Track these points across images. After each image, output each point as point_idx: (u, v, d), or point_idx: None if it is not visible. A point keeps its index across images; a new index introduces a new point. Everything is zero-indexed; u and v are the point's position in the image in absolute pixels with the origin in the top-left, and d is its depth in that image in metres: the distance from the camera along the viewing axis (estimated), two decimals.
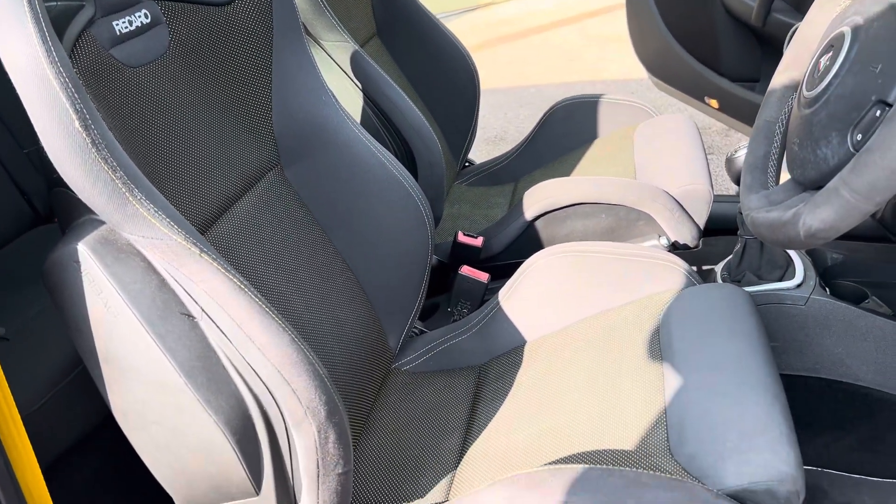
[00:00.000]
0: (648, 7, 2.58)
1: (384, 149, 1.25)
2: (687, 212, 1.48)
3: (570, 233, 1.49)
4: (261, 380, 0.83)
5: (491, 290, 1.43)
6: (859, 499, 1.28)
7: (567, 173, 1.79)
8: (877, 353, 1.26)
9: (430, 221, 1.27)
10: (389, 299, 1.28)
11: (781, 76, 1.01)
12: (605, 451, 0.95)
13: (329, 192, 1.22)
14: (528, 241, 1.52)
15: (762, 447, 0.87)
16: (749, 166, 0.99)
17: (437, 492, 1.05)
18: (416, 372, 1.32)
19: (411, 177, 1.26)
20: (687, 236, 1.47)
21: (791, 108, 1.00)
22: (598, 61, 4.30)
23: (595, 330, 1.20)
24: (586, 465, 0.85)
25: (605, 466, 0.84)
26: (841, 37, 0.83)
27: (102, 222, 0.81)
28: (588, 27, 4.95)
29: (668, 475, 0.84)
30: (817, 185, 0.83)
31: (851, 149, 0.77)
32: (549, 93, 3.91)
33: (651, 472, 0.84)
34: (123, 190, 0.75)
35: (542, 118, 1.94)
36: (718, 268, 1.41)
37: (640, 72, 4.01)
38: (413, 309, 1.31)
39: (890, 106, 0.73)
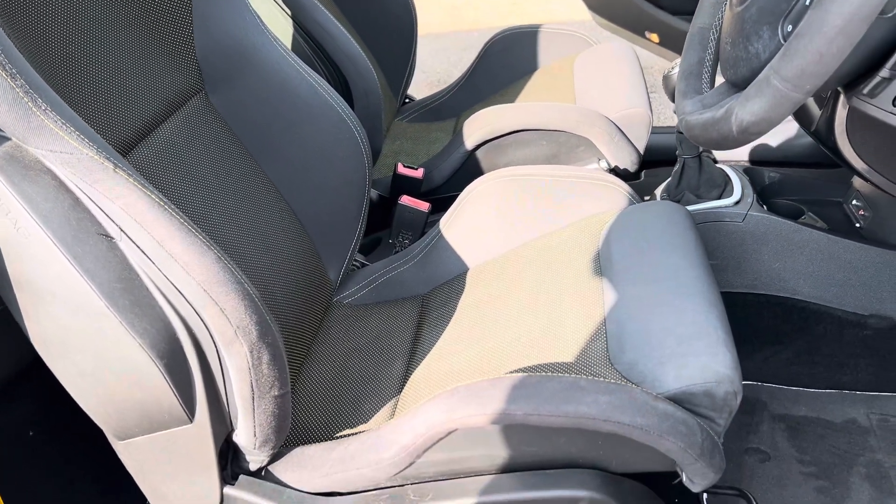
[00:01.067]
0: None
1: (316, 74, 1.21)
2: (626, 136, 1.47)
3: (511, 161, 1.47)
4: (186, 300, 0.80)
5: (433, 222, 1.41)
6: (797, 409, 1.30)
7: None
8: (812, 266, 1.28)
9: (366, 149, 1.24)
10: (327, 231, 1.25)
11: None
12: (544, 364, 0.95)
13: (258, 118, 1.17)
14: (469, 172, 1.50)
15: (700, 351, 0.87)
16: (684, 73, 0.98)
17: (380, 416, 1.04)
18: (358, 304, 1.30)
19: (345, 103, 1.22)
20: (627, 160, 1.46)
21: (722, 15, 0.99)
22: (543, 3, 4.26)
23: (536, 252, 1.19)
24: (524, 374, 0.84)
25: (543, 374, 0.84)
26: None
27: (7, 138, 0.76)
28: None
29: (627, 383, 0.84)
30: (749, 82, 0.82)
31: (782, 40, 0.76)
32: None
33: (589, 377, 0.84)
34: (25, 99, 0.70)
35: (481, 51, 1.91)
36: (658, 190, 1.41)
37: (584, 14, 3.99)
38: (352, 241, 1.28)
39: None
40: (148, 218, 0.77)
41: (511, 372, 0.97)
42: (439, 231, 1.28)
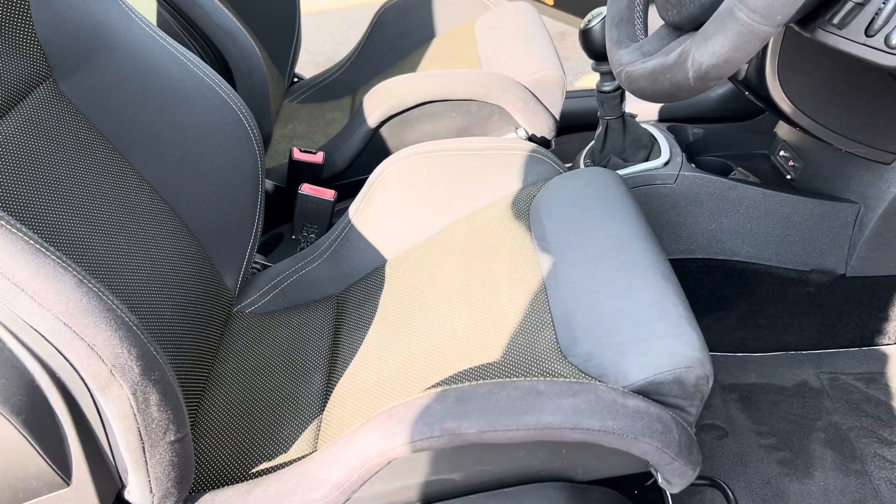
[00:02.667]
0: None
1: (188, 51, 1.03)
2: (541, 101, 1.36)
3: (420, 137, 1.34)
4: (44, 338, 0.63)
5: (340, 211, 1.27)
6: (746, 377, 1.23)
7: None
8: (750, 223, 1.20)
9: (255, 133, 1.08)
10: (218, 232, 1.09)
11: None
12: (488, 364, 0.83)
13: (122, 107, 0.99)
14: (374, 152, 1.35)
15: (662, 333, 0.77)
16: (613, 20, 0.86)
17: (302, 442, 0.89)
18: (263, 312, 1.14)
19: (226, 83, 1.05)
20: (543, 127, 1.35)
21: None
22: None
23: (460, 236, 1.07)
24: (471, 382, 0.71)
25: (493, 381, 0.71)
26: None
27: None
28: None
29: (566, 379, 0.73)
30: (699, 22, 0.71)
31: None
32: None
33: (546, 378, 0.72)
34: None
35: (372, 21, 1.75)
36: (581, 156, 1.31)
37: None
38: (249, 241, 1.12)
39: None
40: None
41: (450, 377, 0.84)
42: (349, 221, 1.13)
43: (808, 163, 1.25)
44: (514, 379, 0.71)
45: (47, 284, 0.61)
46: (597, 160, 1.25)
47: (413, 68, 1.64)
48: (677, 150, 1.23)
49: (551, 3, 2.41)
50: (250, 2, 1.57)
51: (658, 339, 0.76)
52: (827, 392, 1.18)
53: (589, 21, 1.13)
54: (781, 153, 1.32)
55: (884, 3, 0.62)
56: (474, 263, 1.00)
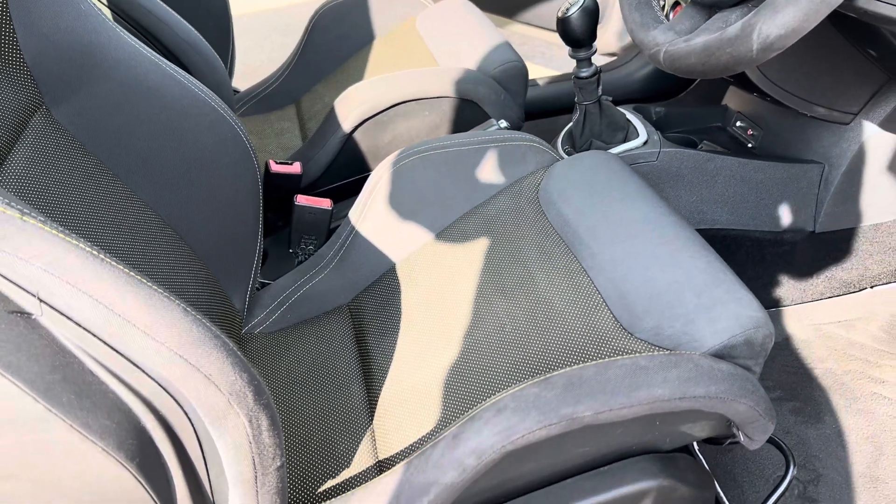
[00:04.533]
0: None
1: (177, 66, 0.98)
2: (508, 93, 1.38)
3: (394, 137, 1.33)
4: (149, 376, 0.59)
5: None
6: None
7: (358, 80, 1.60)
8: (728, 192, 1.27)
9: (251, 147, 1.04)
10: (223, 252, 1.04)
11: None
12: (553, 352, 0.84)
13: (119, 129, 0.93)
14: (349, 157, 1.33)
15: (724, 299, 0.80)
16: (631, 4, 0.89)
17: (362, 455, 0.87)
18: (274, 331, 1.10)
19: (219, 98, 1.01)
20: (514, 118, 1.37)
21: None
22: None
23: (472, 230, 1.07)
24: (571, 369, 0.72)
25: (595, 362, 0.72)
26: None
27: None
28: None
29: (660, 351, 0.75)
30: None
31: None
32: (305, 13, 3.63)
33: (645, 353, 0.74)
34: None
35: (307, 26, 1.72)
36: (558, 141, 1.34)
37: None
38: (254, 259, 1.08)
39: None
40: (85, 276, 0.55)
41: (515, 370, 0.84)
42: (353, 227, 1.11)
43: (767, 130, 1.33)
44: (614, 358, 0.73)
45: (157, 317, 0.57)
46: (577, 144, 1.28)
47: (360, 70, 1.62)
48: (652, 129, 1.28)
49: None
50: (183, 11, 1.50)
51: (721, 305, 0.79)
52: (814, 342, 1.26)
53: (567, 9, 1.16)
54: (738, 123, 1.40)
55: None
56: (499, 255, 1.00)
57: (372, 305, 1.07)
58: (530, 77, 1.54)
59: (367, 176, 1.37)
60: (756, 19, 0.68)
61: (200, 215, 1.01)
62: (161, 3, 1.20)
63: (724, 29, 0.72)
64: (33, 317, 0.55)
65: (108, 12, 1.17)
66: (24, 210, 0.54)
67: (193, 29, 1.21)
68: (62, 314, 0.55)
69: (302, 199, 1.15)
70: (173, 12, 1.20)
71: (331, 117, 1.32)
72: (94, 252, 0.56)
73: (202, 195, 1.00)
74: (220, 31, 1.62)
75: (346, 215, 1.28)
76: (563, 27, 1.17)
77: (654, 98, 1.83)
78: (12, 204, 0.53)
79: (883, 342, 1.24)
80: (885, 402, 1.14)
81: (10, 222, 0.52)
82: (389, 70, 1.56)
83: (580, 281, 0.91)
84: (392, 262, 1.10)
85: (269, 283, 1.15)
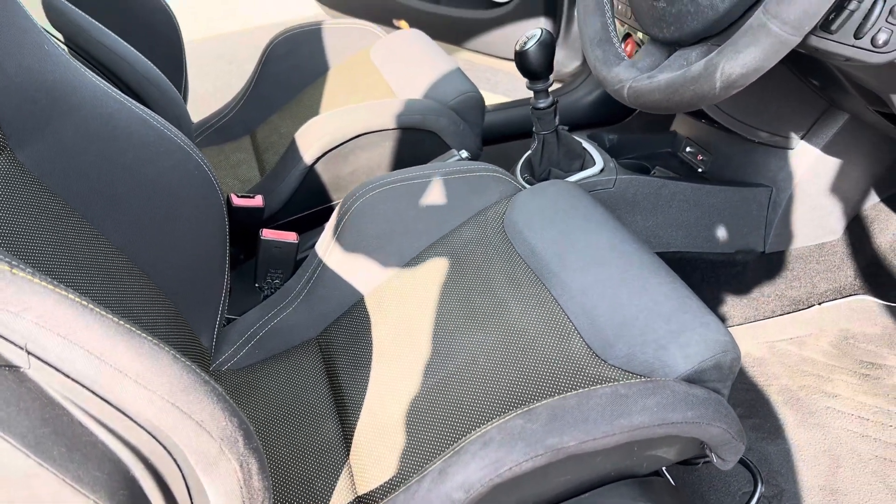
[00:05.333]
0: None
1: (140, 104, 0.98)
2: (466, 123, 1.40)
3: (356, 168, 1.33)
4: (140, 425, 0.58)
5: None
6: None
7: (314, 111, 1.61)
8: (681, 216, 1.31)
9: (217, 182, 1.04)
10: (190, 290, 1.03)
11: None
12: (529, 382, 0.85)
13: (86, 170, 0.92)
14: (311, 188, 1.33)
15: (692, 324, 0.83)
16: (592, 42, 0.92)
17: (340, 493, 0.87)
18: (241, 367, 1.09)
19: (181, 133, 1.00)
20: (473, 147, 1.40)
21: None
22: (257, 4, 4.06)
23: (439, 260, 1.08)
24: (551, 400, 0.74)
25: (574, 392, 0.74)
26: None
27: None
28: None
29: (636, 378, 0.77)
30: (700, 36, 0.79)
31: None
32: (250, 40, 3.60)
33: (623, 381, 0.76)
34: None
35: (261, 57, 1.71)
36: (517, 169, 1.36)
37: (308, 10, 3.86)
38: (221, 296, 1.07)
39: None
40: (76, 327, 0.54)
41: (492, 399, 0.85)
42: (320, 260, 1.11)
43: (716, 155, 1.39)
44: (595, 387, 0.74)
45: (149, 365, 0.57)
46: (537, 173, 1.31)
47: (317, 101, 1.63)
48: (607, 156, 1.32)
49: (407, 27, 2.48)
50: (138, 45, 1.49)
51: (690, 330, 0.82)
52: (769, 359, 1.31)
53: (524, 43, 1.19)
54: (688, 149, 1.45)
55: (870, 10, 0.71)
56: (469, 285, 1.02)
57: (342, 338, 1.08)
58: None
59: (329, 206, 1.38)
60: (719, 59, 0.71)
61: (167, 253, 1.00)
62: (118, 38, 1.18)
63: (688, 67, 0.75)
64: (21, 370, 0.54)
65: (65, 49, 1.16)
66: (13, 263, 0.53)
67: (151, 64, 1.20)
68: (51, 365, 0.55)
69: (268, 234, 1.15)
70: (131, 48, 1.19)
71: (292, 150, 1.32)
72: (84, 303, 0.56)
73: (169, 233, 0.99)
74: (172, 62, 1.61)
75: (309, 247, 1.28)
76: (521, 60, 1.20)
77: (602, 123, 1.88)
78: (1, 257, 0.52)
79: (833, 357, 1.29)
80: (838, 416, 1.19)
81: (1, 276, 0.52)
82: (346, 101, 1.57)
83: (551, 309, 0.93)
84: (360, 294, 1.11)
85: (235, 319, 1.14)
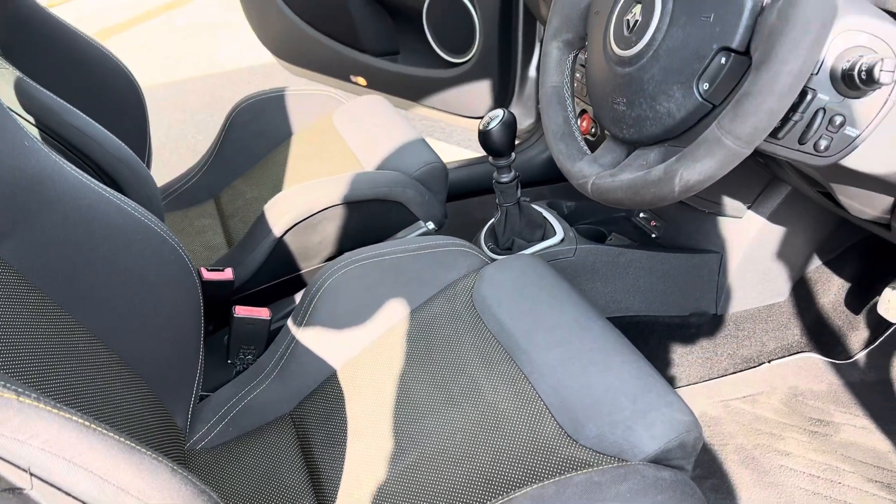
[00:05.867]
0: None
1: (114, 190, 1.00)
2: (431, 192, 1.45)
3: (325, 238, 1.36)
4: None
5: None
6: None
7: (279, 176, 1.64)
8: (639, 282, 1.37)
9: (193, 266, 1.06)
10: (166, 370, 1.05)
11: (555, 41, 1.01)
12: (504, 463, 0.89)
13: (65, 261, 0.93)
14: (280, 259, 1.36)
15: (657, 404, 0.88)
16: (556, 135, 0.98)
17: None
18: (215, 446, 1.10)
19: (157, 218, 1.03)
20: (438, 216, 1.44)
21: (570, 70, 1.01)
22: (210, 50, 4.08)
23: (411, 334, 1.12)
24: (532, 487, 0.77)
25: (552, 480, 0.78)
26: None
27: None
28: (178, 17, 4.65)
29: (608, 463, 0.81)
30: (659, 139, 0.84)
31: (701, 99, 0.79)
32: (190, 87, 3.60)
33: (596, 467, 0.80)
34: None
35: (224, 123, 1.74)
36: (481, 239, 1.41)
37: (257, 57, 3.89)
38: (196, 375, 1.09)
39: (734, 51, 0.76)
40: (81, 449, 0.56)
41: (468, 480, 0.89)
42: (293, 336, 1.14)
43: (669, 222, 1.46)
44: (569, 475, 0.78)
45: (150, 482, 0.59)
46: (500, 242, 1.36)
47: (281, 166, 1.66)
48: (566, 225, 1.37)
49: (364, 83, 2.53)
50: (106, 119, 1.50)
51: (655, 410, 0.87)
52: (723, 418, 1.37)
53: (488, 124, 1.24)
54: (641, 215, 1.51)
55: (811, 120, 0.78)
56: (442, 362, 1.05)
57: (315, 415, 1.10)
58: None
59: (297, 276, 1.41)
60: (678, 166, 0.77)
61: (143, 338, 1.01)
62: (88, 119, 1.20)
63: (648, 170, 0.81)
64: (24, 491, 0.56)
65: (36, 132, 1.17)
66: (19, 390, 0.55)
67: (121, 143, 1.22)
68: (55, 486, 0.56)
69: (241, 311, 1.17)
70: (101, 128, 1.21)
71: (261, 222, 1.35)
72: (87, 423, 0.58)
73: (145, 318, 1.01)
74: (137, 130, 1.63)
75: (281, 317, 1.30)
76: (485, 140, 1.25)
77: (557, 179, 1.95)
78: (8, 385, 0.54)
79: (784, 415, 1.36)
80: (791, 474, 1.25)
81: (8, 405, 0.53)
82: (312, 167, 1.61)
83: (523, 388, 0.97)
84: (333, 369, 1.13)
85: (208, 396, 1.15)
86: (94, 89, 1.53)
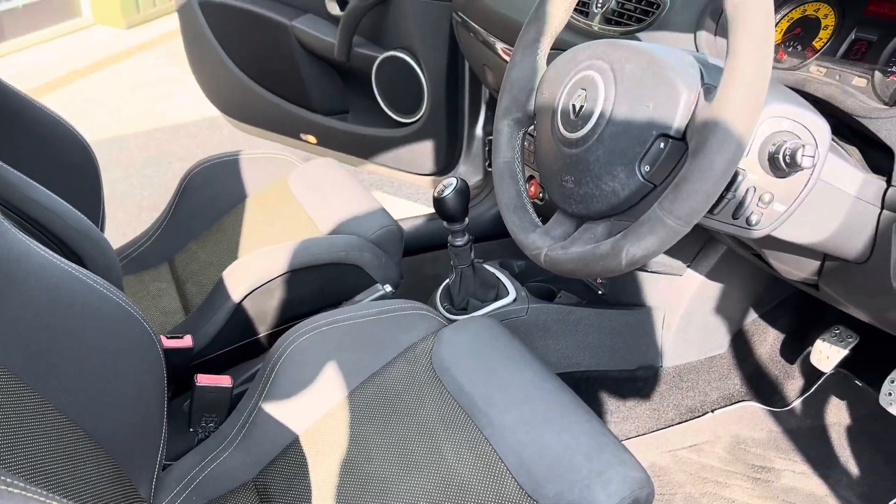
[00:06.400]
0: (220, 58, 2.53)
1: (79, 266, 1.02)
2: (387, 254, 1.49)
3: (283, 302, 1.39)
4: None
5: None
6: None
7: (232, 241, 1.66)
8: (588, 338, 1.43)
9: (157, 338, 1.08)
10: (131, 442, 1.05)
11: (505, 119, 1.07)
12: None
13: (30, 339, 0.94)
14: (238, 324, 1.38)
15: (611, 462, 0.93)
16: (509, 208, 1.03)
17: None
18: None
19: (119, 291, 1.05)
20: (394, 278, 1.48)
21: (520, 145, 1.07)
22: (154, 104, 4.08)
23: (372, 398, 1.15)
24: None
25: None
26: (591, 80, 0.91)
27: None
28: (122, 71, 4.64)
29: None
30: (605, 215, 0.91)
31: (643, 179, 0.86)
32: (133, 142, 3.59)
33: None
34: None
35: (179, 187, 1.76)
36: (436, 299, 1.46)
37: (202, 112, 3.91)
38: (159, 446, 1.10)
39: (672, 138, 0.83)
40: None
41: None
42: (255, 403, 1.16)
43: (613, 280, 1.53)
44: None
45: None
46: (456, 303, 1.41)
47: (237, 229, 1.68)
48: (518, 285, 1.43)
49: (314, 141, 2.58)
50: (60, 187, 1.52)
51: (611, 468, 0.92)
52: (672, 467, 1.43)
53: (442, 191, 1.30)
54: None
55: (743, 198, 0.86)
56: (403, 425, 1.09)
57: (279, 481, 1.12)
58: None
59: (256, 340, 1.43)
60: (624, 242, 0.83)
61: (108, 411, 1.02)
62: (48, 192, 1.21)
63: (597, 245, 0.87)
64: None
65: None
66: (8, 480, 0.57)
67: (80, 214, 1.23)
68: None
69: (202, 380, 1.19)
70: (61, 200, 1.22)
71: (219, 288, 1.37)
72: (53, 501, 0.59)
73: (111, 392, 1.02)
74: (91, 194, 1.63)
75: (241, 383, 1.32)
76: (440, 206, 1.30)
77: (503, 235, 2.01)
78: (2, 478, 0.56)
79: (728, 462, 1.42)
80: None
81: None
82: (268, 231, 1.64)
83: (484, 450, 1.01)
84: (295, 435, 1.15)
85: (171, 465, 1.16)
86: (48, 157, 1.54)
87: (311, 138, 2.59)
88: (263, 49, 2.45)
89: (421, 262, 1.95)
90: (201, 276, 1.62)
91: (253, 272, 1.36)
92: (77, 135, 1.62)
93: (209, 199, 1.76)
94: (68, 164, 1.60)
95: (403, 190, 3.25)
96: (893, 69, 0.97)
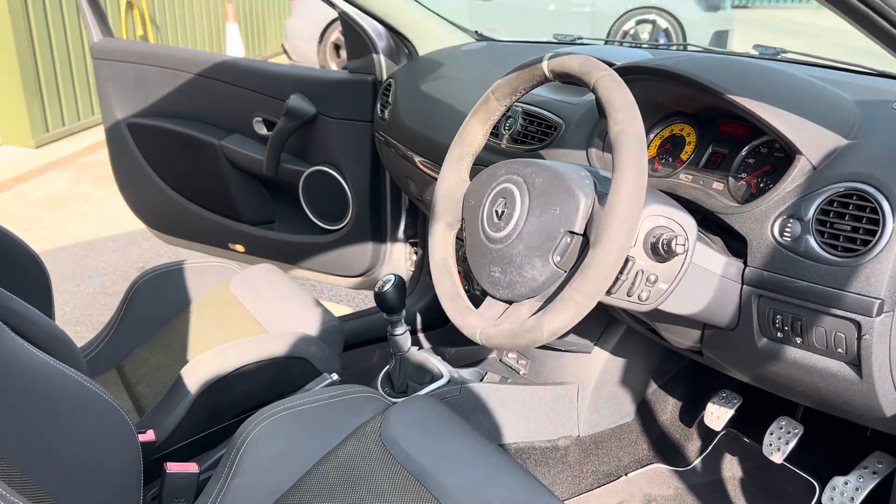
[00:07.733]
0: (148, 175, 2.67)
1: (67, 367, 1.14)
2: (330, 347, 1.65)
3: (239, 394, 1.52)
4: None
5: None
6: None
7: (181, 344, 1.78)
8: (515, 414, 1.61)
9: (133, 428, 1.20)
10: None
11: (438, 223, 1.28)
12: None
13: (20, 439, 1.05)
14: (198, 416, 1.49)
15: None
16: (446, 297, 1.23)
17: None
18: None
19: (108, 393, 1.17)
20: (337, 368, 1.64)
21: (451, 244, 1.28)
22: (65, 222, 4.12)
23: (330, 474, 1.28)
24: None
25: None
26: (509, 191, 1.13)
27: None
28: (32, 189, 4.67)
29: None
30: (527, 297, 1.11)
31: (555, 267, 1.07)
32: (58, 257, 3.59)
33: None
34: None
35: (125, 296, 1.88)
36: (378, 383, 1.62)
37: (117, 227, 3.97)
38: None
39: (576, 234, 1.05)
40: None
41: None
42: (221, 486, 1.27)
43: (533, 360, 1.73)
44: None
45: None
46: (396, 386, 1.57)
47: (183, 334, 1.80)
48: (451, 367, 1.61)
49: (243, 250, 2.72)
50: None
51: None
52: None
53: (382, 286, 1.48)
54: (510, 356, 1.78)
55: (634, 279, 1.08)
56: (360, 496, 1.22)
57: None
58: None
59: (215, 430, 1.54)
60: (544, 318, 1.03)
61: (92, 500, 1.12)
62: (21, 301, 1.32)
63: (523, 322, 1.07)
64: None
65: None
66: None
67: (49, 320, 1.35)
68: None
69: (172, 467, 1.30)
70: (33, 308, 1.33)
71: (178, 385, 1.49)
72: None
73: (94, 483, 1.12)
74: (44, 302, 1.73)
75: (206, 468, 1.43)
76: (380, 300, 1.49)
77: (436, 326, 2.21)
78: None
79: None
80: None
81: None
82: (215, 333, 1.77)
83: None
84: None
85: None
86: (9, 272, 1.65)
87: (240, 247, 2.73)
88: (192, 166, 2.61)
89: (365, 353, 2.11)
90: (152, 379, 1.72)
91: (211, 367, 1.49)
92: (20, 242, 1.72)
93: (155, 306, 1.88)
94: (25, 276, 1.70)
95: (326, 293, 3.41)
96: (742, 175, 1.23)
